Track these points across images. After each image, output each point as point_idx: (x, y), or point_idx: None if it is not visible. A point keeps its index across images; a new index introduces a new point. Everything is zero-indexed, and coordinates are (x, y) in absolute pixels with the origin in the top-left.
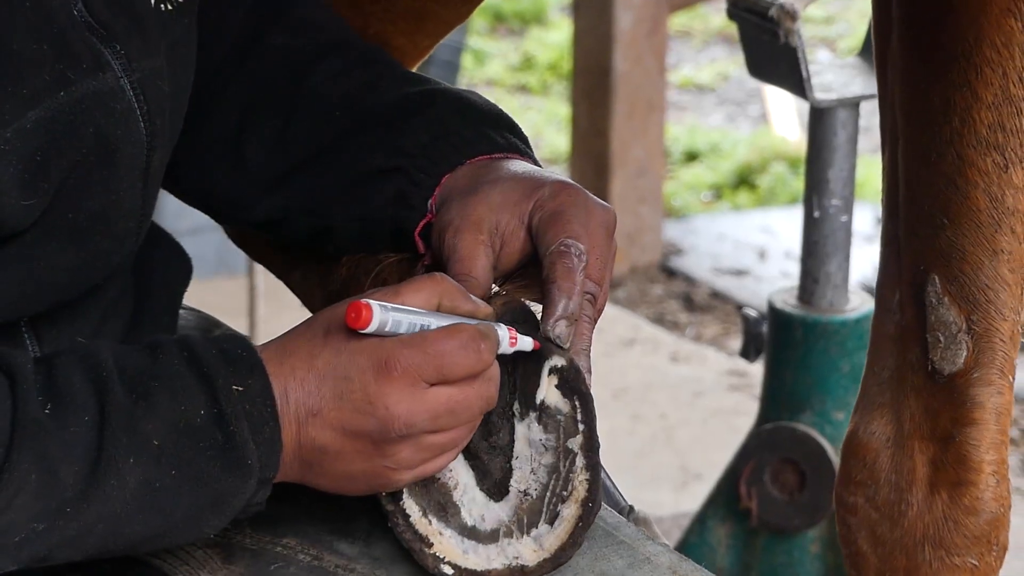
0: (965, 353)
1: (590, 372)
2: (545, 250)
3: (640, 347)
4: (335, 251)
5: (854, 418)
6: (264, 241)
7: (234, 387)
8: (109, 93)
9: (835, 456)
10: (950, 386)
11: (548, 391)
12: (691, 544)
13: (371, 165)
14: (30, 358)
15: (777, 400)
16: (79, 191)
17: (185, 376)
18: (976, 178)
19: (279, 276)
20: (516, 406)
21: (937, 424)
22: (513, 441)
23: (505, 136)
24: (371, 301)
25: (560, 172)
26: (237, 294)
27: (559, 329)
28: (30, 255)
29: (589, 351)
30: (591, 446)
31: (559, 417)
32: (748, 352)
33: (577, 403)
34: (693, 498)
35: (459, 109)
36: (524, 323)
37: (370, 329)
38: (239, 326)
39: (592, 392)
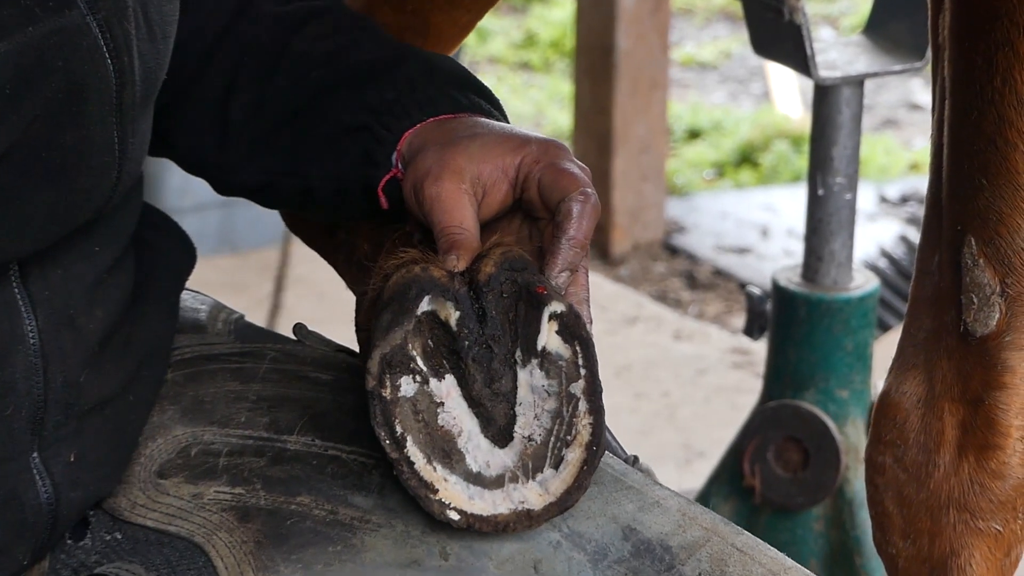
0: (998, 316)
1: (591, 322)
2: (560, 197)
3: (643, 325)
4: (317, 214)
5: (888, 378)
6: (315, 227)
7: None
8: (75, 29)
9: (839, 434)
10: (982, 349)
11: (549, 337)
12: None
13: (340, 123)
14: None
15: (781, 378)
16: (51, 127)
17: None
18: (1016, 139)
19: (329, 261)
20: (518, 353)
21: (968, 387)
22: (516, 388)
23: (470, 97)
24: None
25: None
26: (238, 272)
27: (562, 279)
28: (5, 194)
29: (589, 302)
30: (593, 390)
31: (560, 363)
32: (752, 330)
33: (578, 348)
34: (696, 476)
35: (427, 70)
36: (523, 271)
37: None
38: (240, 303)
39: (592, 337)
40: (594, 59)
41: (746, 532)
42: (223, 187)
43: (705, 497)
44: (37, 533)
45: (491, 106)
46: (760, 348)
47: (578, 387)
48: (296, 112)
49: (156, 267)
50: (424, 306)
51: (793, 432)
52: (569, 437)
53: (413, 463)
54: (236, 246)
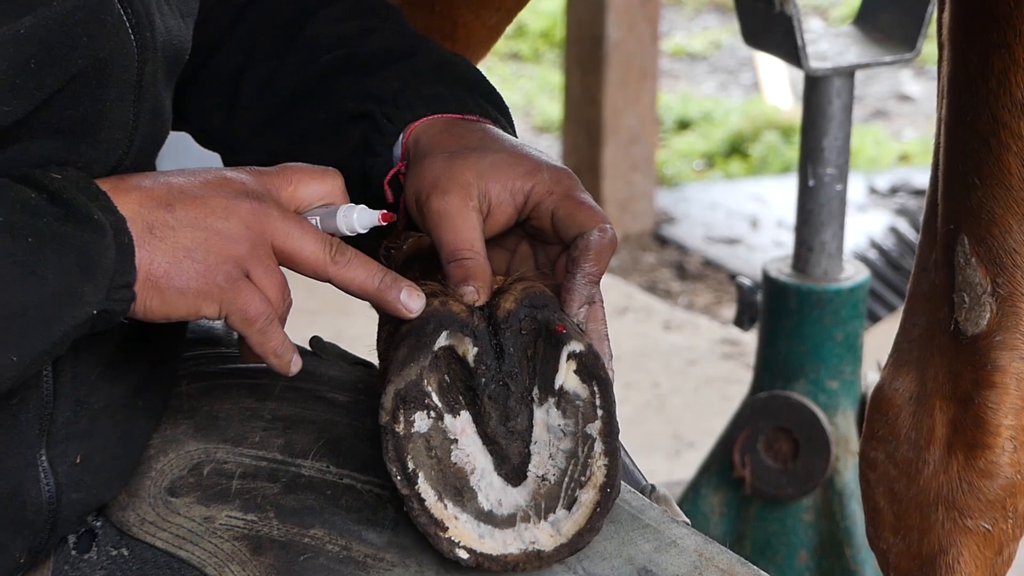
0: (989, 315)
1: (611, 357)
2: (577, 231)
3: (633, 315)
4: None
5: (883, 373)
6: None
7: (53, 175)
8: (98, 4)
9: (829, 425)
10: (973, 348)
11: (567, 376)
12: (684, 513)
13: (343, 109)
14: None
15: (771, 369)
16: (70, 100)
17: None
18: (1009, 140)
19: None
20: (535, 391)
21: (959, 385)
22: (531, 426)
23: (478, 101)
24: None
25: (551, 142)
26: None
27: (581, 314)
28: (10, 156)
29: (608, 336)
30: (610, 431)
31: (578, 403)
32: (742, 321)
33: (596, 388)
34: (686, 466)
35: (438, 65)
36: (543, 308)
37: None
38: None
39: (611, 377)
40: (584, 49)
41: (763, 573)
42: (233, 165)
43: (695, 488)
44: (36, 532)
45: (499, 113)
46: (750, 339)
47: (594, 428)
48: (302, 94)
49: None
50: (441, 341)
51: (783, 423)
52: (583, 478)
53: (424, 500)
54: None
